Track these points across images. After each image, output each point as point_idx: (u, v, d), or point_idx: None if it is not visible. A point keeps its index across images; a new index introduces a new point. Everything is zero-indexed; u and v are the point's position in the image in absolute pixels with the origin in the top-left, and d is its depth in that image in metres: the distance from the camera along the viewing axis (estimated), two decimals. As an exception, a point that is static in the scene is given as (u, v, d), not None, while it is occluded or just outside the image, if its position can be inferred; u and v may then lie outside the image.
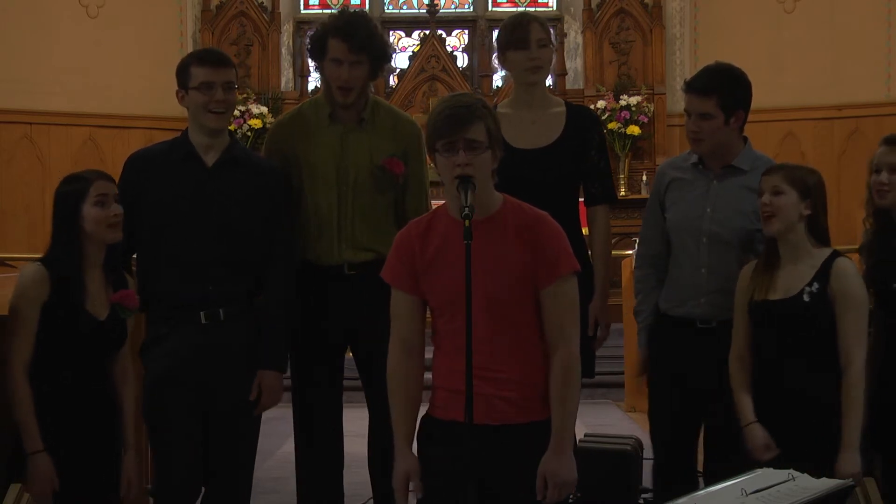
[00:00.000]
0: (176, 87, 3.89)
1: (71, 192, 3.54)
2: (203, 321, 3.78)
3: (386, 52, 4.15)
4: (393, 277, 3.13)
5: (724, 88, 3.79)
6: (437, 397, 3.12)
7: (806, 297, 3.54)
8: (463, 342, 2.88)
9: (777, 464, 2.83)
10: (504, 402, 3.03)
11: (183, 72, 3.86)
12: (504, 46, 4.15)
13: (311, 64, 4.29)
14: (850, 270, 3.57)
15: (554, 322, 3.07)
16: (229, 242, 3.80)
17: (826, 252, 3.60)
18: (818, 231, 3.62)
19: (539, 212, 3.15)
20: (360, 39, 4.01)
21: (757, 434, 3.54)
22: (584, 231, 4.20)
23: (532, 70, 4.11)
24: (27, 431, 3.43)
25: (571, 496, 4.42)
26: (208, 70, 3.81)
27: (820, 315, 3.53)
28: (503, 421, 3.03)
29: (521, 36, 4.08)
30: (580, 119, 4.17)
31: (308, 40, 4.23)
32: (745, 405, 3.59)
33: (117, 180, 3.89)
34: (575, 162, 4.11)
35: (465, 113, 2.99)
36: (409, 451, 3.07)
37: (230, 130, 4.00)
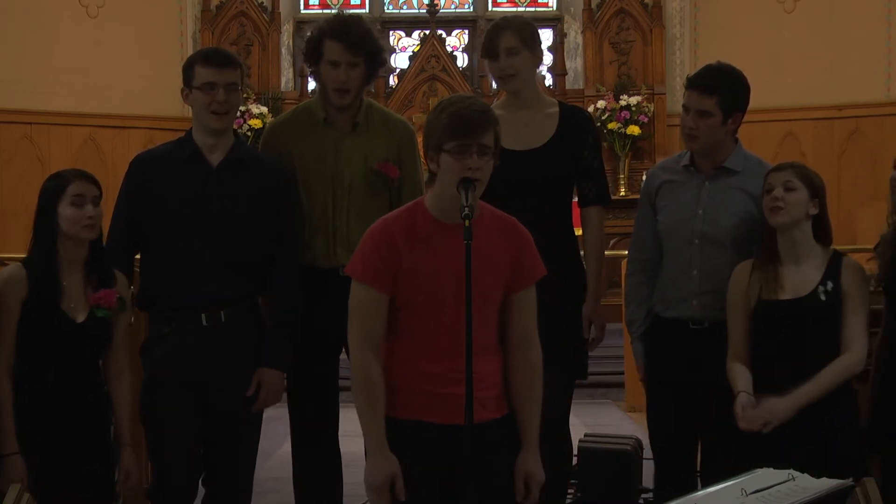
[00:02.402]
0: (181, 86, 3.89)
1: (50, 191, 3.53)
2: (204, 322, 3.78)
3: (381, 54, 4.15)
4: (367, 274, 3.05)
5: (726, 89, 3.81)
6: (400, 398, 3.05)
7: (822, 297, 3.54)
8: (443, 343, 2.98)
9: (777, 464, 2.83)
10: (478, 401, 2.96)
11: (188, 70, 3.85)
12: (481, 56, 4.22)
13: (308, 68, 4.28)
14: (858, 268, 3.61)
15: (523, 324, 3.14)
16: (232, 243, 3.80)
17: (829, 251, 3.62)
18: (823, 231, 3.63)
19: (510, 216, 3.19)
20: (356, 40, 4.02)
21: (746, 401, 3.53)
22: (577, 231, 4.20)
23: (503, 80, 4.13)
24: (2, 433, 3.41)
25: (571, 496, 4.44)
26: (211, 70, 3.81)
27: (835, 313, 3.54)
28: (478, 419, 2.97)
29: (488, 46, 4.10)
30: (573, 119, 4.17)
31: (304, 44, 4.23)
32: (741, 381, 3.57)
33: (120, 181, 3.91)
34: (568, 162, 4.11)
35: (482, 118, 3.01)
36: (389, 452, 3.01)
37: (235, 130, 4.00)
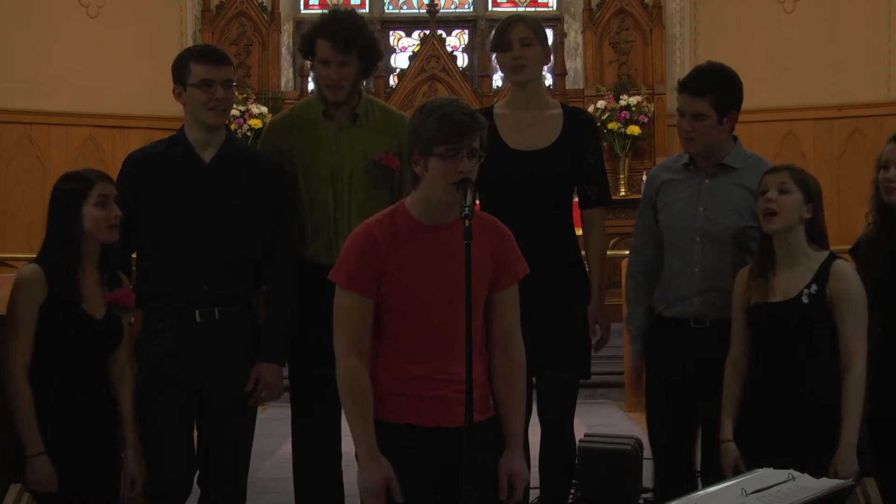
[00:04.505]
0: (172, 84, 3.88)
1: (72, 192, 3.53)
2: (198, 319, 3.78)
3: (375, 48, 4.14)
4: (352, 281, 3.05)
5: (718, 89, 3.81)
6: (388, 401, 3.06)
7: (805, 299, 3.54)
8: (429, 345, 3.00)
9: (777, 464, 2.83)
10: (463, 403, 2.94)
11: (181, 68, 3.84)
12: (492, 50, 4.20)
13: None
14: (848, 272, 3.58)
15: (507, 323, 3.15)
16: (227, 239, 3.81)
17: (823, 254, 3.61)
18: (817, 234, 3.62)
19: (491, 216, 3.19)
20: (345, 39, 4.01)
21: (730, 454, 3.58)
22: (578, 232, 4.20)
23: (515, 69, 4.11)
24: (28, 433, 3.42)
25: (571, 496, 4.44)
26: (208, 67, 3.81)
27: (819, 317, 3.53)
28: (462, 422, 2.96)
29: (503, 38, 4.10)
30: (577, 121, 4.17)
31: (299, 39, 4.23)
32: (728, 421, 3.62)
33: (115, 180, 3.91)
34: (572, 164, 4.11)
35: (471, 122, 3.01)
36: (380, 456, 3.01)
37: (226, 125, 4.00)
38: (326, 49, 4.03)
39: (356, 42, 4.03)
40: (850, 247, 3.96)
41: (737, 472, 3.47)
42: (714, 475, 3.65)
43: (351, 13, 4.18)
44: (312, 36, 4.08)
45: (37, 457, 3.42)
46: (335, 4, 12.18)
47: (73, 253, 3.51)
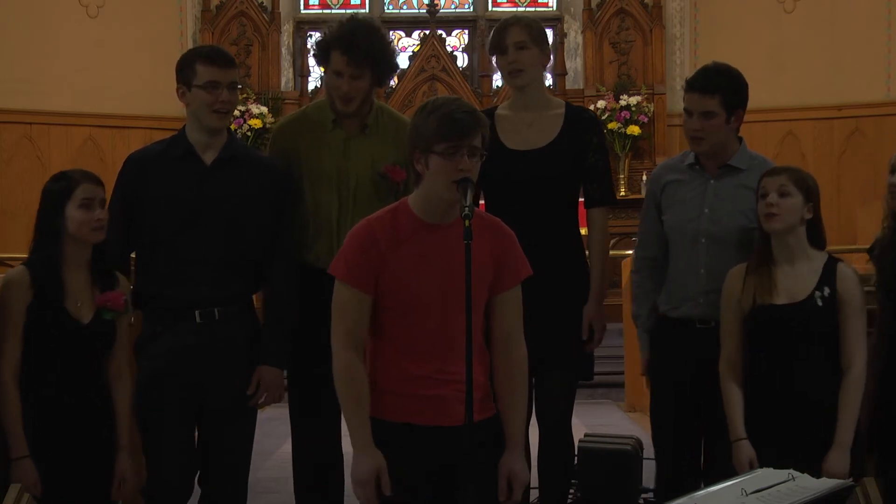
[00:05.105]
0: (176, 84, 3.87)
1: (56, 192, 3.51)
2: (198, 320, 3.78)
3: (390, 62, 4.12)
4: (350, 275, 3.05)
5: (727, 87, 3.81)
6: (387, 400, 3.06)
7: (819, 302, 3.54)
8: (429, 344, 3.00)
9: (778, 464, 2.83)
10: (462, 403, 2.93)
11: (186, 68, 3.82)
12: (489, 53, 4.21)
13: (312, 63, 4.29)
14: (853, 275, 3.60)
15: (508, 325, 3.14)
16: (228, 241, 3.80)
17: (824, 256, 3.61)
18: (817, 234, 3.62)
19: (494, 217, 3.20)
20: (361, 54, 3.99)
21: (745, 452, 3.55)
22: (583, 231, 4.20)
23: (511, 74, 4.10)
24: (12, 437, 3.40)
25: (571, 496, 4.44)
26: (215, 70, 3.79)
27: (830, 319, 3.54)
28: (461, 422, 2.95)
29: (498, 41, 4.09)
30: (578, 120, 4.16)
31: (313, 46, 4.21)
32: (736, 419, 3.60)
33: (115, 180, 3.90)
34: (573, 163, 4.11)
35: (471, 120, 3.01)
36: (374, 448, 3.01)
37: (228, 128, 3.98)
38: (341, 61, 4.01)
39: (371, 56, 4.00)
40: (849, 247, 3.97)
41: (749, 469, 3.47)
42: (716, 475, 3.65)
43: (369, 24, 4.15)
44: (328, 46, 4.06)
45: (21, 460, 3.40)
46: (336, 5, 12.19)
47: (58, 255, 3.48)
